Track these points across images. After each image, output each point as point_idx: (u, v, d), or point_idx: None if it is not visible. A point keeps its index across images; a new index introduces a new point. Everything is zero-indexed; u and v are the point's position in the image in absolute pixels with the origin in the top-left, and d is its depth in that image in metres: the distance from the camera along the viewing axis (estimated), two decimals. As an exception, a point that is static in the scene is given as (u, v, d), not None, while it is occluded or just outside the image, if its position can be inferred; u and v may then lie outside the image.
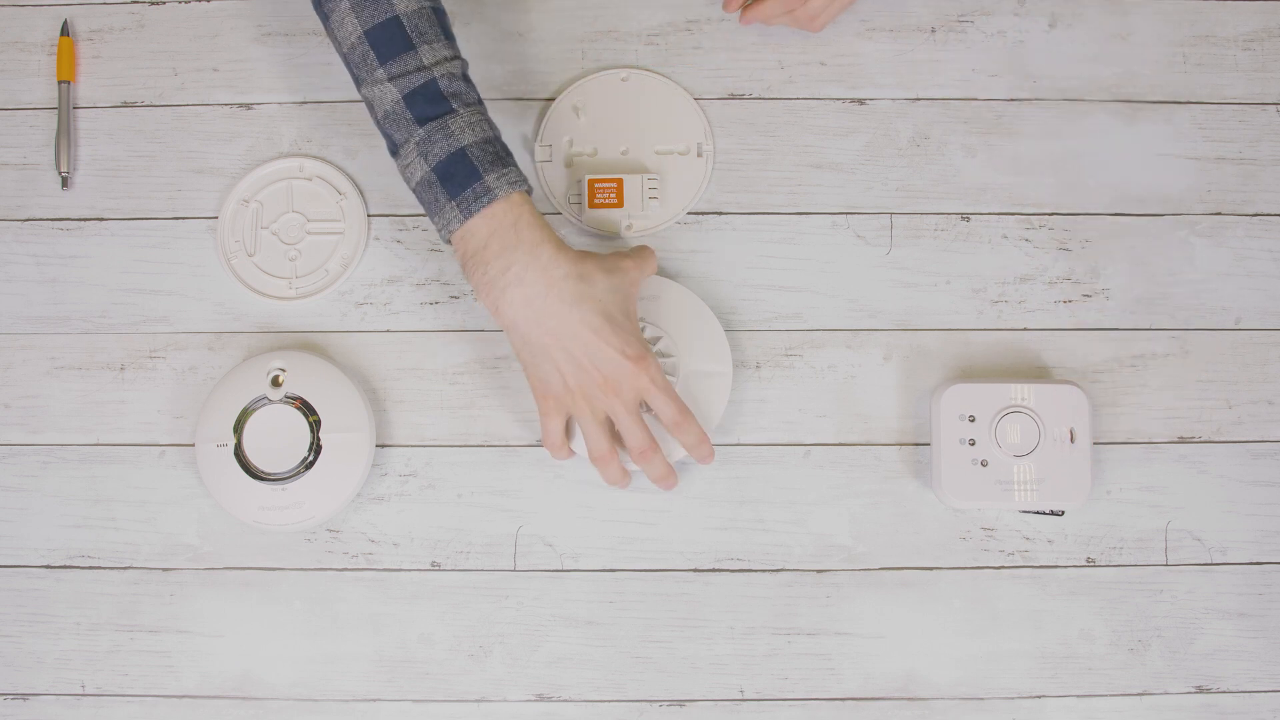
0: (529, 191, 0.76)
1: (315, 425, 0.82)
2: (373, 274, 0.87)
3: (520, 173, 0.76)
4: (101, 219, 0.88)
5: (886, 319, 0.87)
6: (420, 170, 0.75)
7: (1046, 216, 0.88)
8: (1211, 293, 0.87)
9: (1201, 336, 0.87)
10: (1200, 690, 0.84)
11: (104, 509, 0.85)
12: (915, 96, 0.89)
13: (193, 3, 0.90)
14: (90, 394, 0.86)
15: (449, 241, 0.76)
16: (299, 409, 0.82)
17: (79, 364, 0.87)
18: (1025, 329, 0.87)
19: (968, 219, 0.88)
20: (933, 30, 0.90)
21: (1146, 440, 0.86)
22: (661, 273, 0.87)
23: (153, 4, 0.90)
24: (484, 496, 0.85)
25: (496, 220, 0.74)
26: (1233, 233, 0.88)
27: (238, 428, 0.82)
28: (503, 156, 0.76)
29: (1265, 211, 0.88)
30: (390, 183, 0.88)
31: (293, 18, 0.90)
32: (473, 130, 0.75)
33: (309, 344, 0.87)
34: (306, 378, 0.83)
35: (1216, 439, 0.86)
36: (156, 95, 0.89)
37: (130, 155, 0.89)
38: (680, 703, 0.84)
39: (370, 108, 0.77)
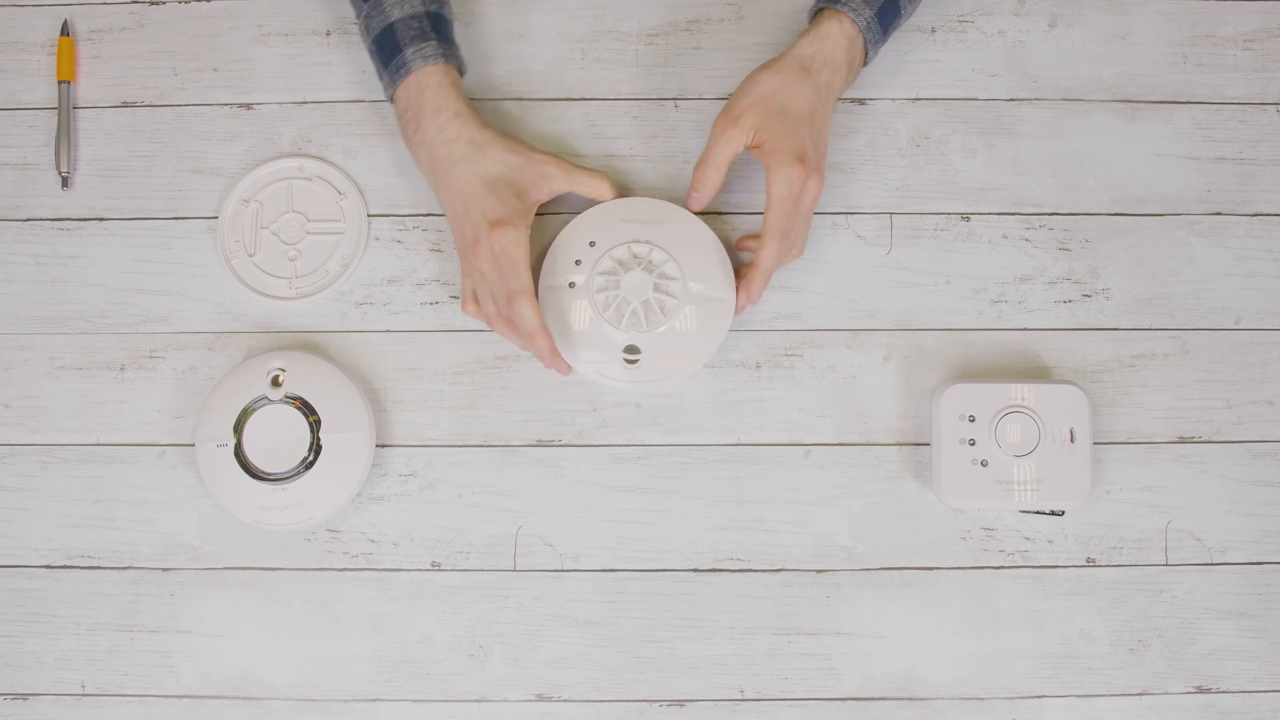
0: (452, 63, 0.82)
1: (315, 425, 0.82)
2: (373, 274, 0.87)
3: (441, 47, 0.82)
4: (101, 219, 0.88)
5: (886, 319, 0.87)
6: (365, 42, 0.84)
7: (1046, 216, 0.88)
8: (1211, 293, 0.87)
9: (1201, 336, 0.87)
10: (1200, 690, 0.84)
11: (104, 509, 0.85)
12: (915, 96, 0.89)
13: (193, 3, 0.90)
14: (90, 394, 0.86)
15: (392, 101, 0.84)
16: (299, 409, 0.82)
17: (79, 364, 0.87)
18: (1025, 329, 0.87)
19: (968, 219, 0.88)
20: (933, 30, 0.90)
21: (1146, 440, 0.86)
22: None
23: (153, 4, 0.90)
24: (484, 496, 0.85)
25: (410, 90, 0.82)
26: (1233, 233, 0.88)
27: (238, 428, 0.82)
28: (425, 31, 0.81)
29: (1265, 211, 0.88)
30: (390, 182, 0.88)
31: (293, 18, 0.90)
32: (401, 6, 0.81)
33: (309, 344, 0.87)
34: (306, 378, 0.83)
35: (1216, 439, 0.86)
36: (156, 95, 0.89)
37: (130, 155, 0.89)
38: (680, 703, 0.84)
39: None
